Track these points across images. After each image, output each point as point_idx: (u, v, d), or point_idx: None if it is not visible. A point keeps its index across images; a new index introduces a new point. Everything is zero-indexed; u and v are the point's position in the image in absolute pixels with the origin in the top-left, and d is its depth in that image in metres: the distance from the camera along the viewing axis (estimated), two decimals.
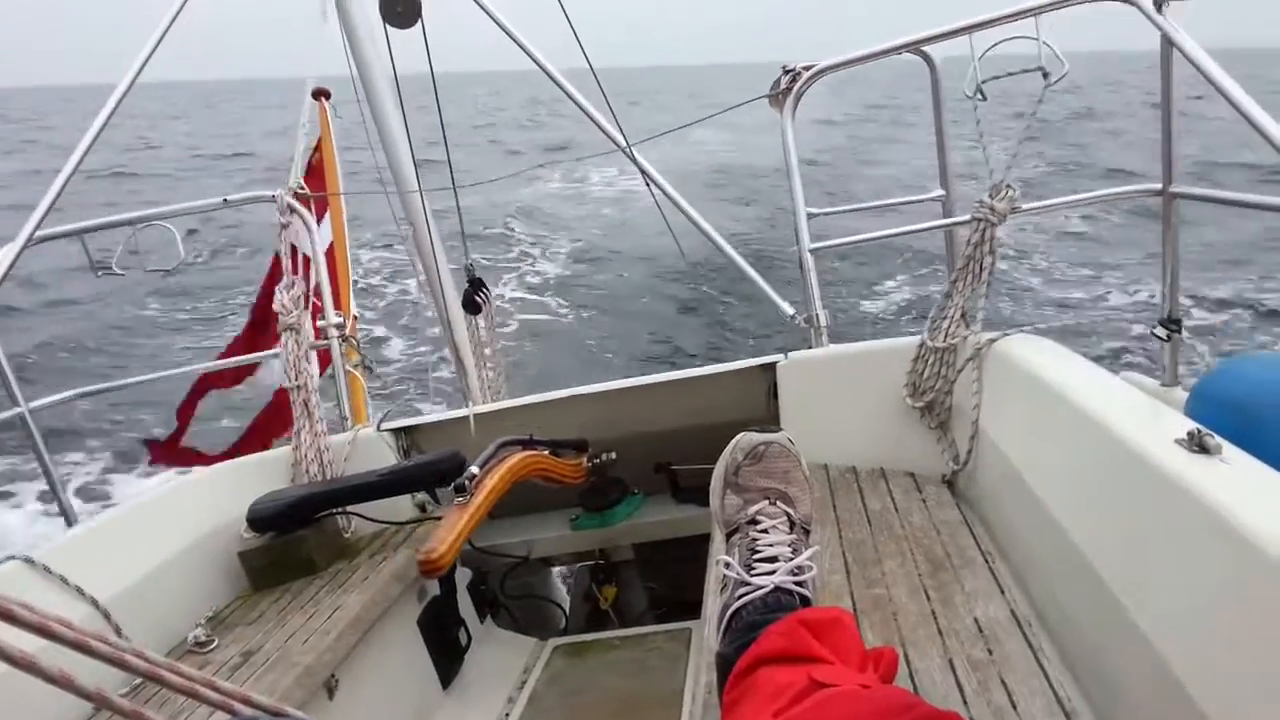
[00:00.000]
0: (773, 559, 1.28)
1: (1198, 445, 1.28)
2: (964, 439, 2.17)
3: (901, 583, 1.75)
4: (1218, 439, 1.29)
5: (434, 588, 2.49)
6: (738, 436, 1.46)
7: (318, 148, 4.16)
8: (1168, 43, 2.13)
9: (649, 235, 12.67)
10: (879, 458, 2.39)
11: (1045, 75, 2.23)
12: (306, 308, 2.89)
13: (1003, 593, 1.66)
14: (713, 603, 1.39)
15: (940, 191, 2.83)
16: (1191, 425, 1.32)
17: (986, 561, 1.80)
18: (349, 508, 2.53)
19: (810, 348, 2.61)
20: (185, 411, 4.03)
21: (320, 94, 4.19)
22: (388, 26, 2.95)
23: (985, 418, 2.10)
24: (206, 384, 3.97)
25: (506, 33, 3.23)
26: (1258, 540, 1.04)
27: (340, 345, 3.05)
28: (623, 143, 3.20)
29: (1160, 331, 2.52)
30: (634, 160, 3.19)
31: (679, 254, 3.61)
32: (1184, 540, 1.20)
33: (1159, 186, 2.40)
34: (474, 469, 2.17)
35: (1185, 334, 2.50)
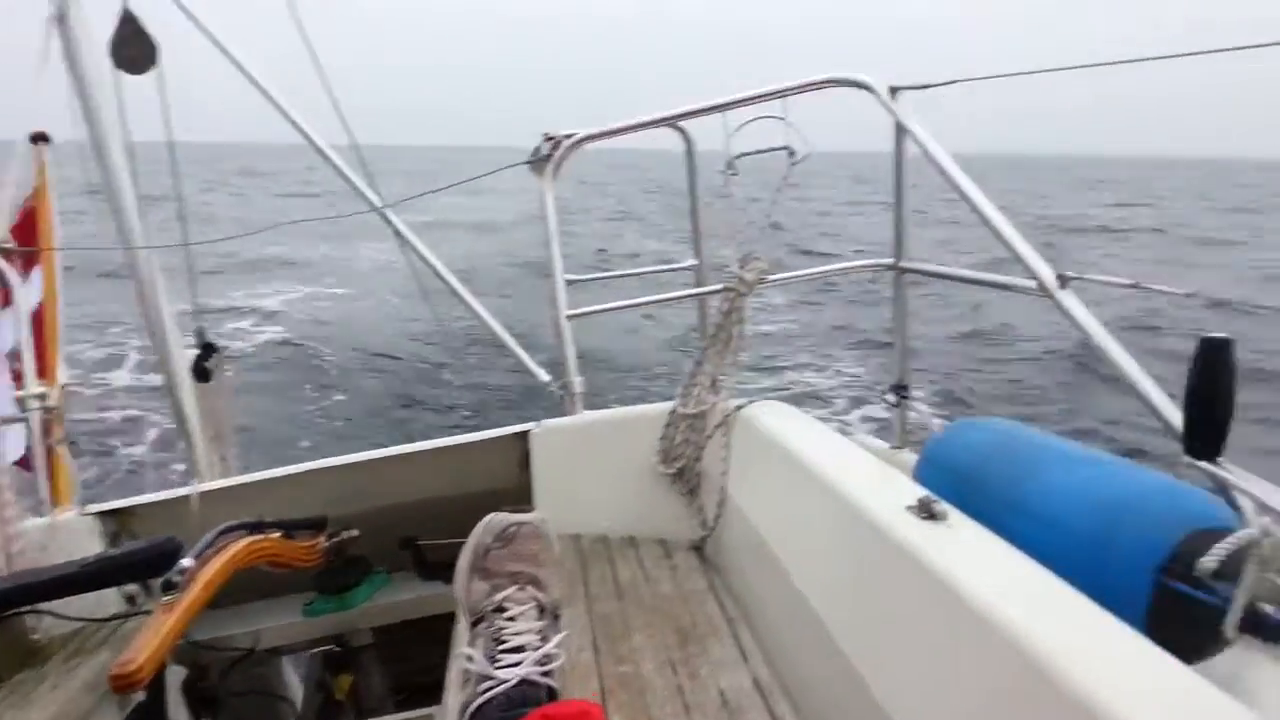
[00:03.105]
0: (519, 648, 1.19)
1: (926, 512, 1.34)
2: (712, 505, 2.20)
3: (650, 657, 1.73)
4: (944, 505, 1.35)
5: (139, 693, 2.18)
6: (487, 518, 1.38)
7: (33, 196, 3.72)
8: (900, 128, 2.30)
9: (405, 300, 12.36)
10: (631, 525, 2.38)
11: (791, 154, 2.34)
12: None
13: (746, 661, 1.68)
14: (454, 698, 1.28)
15: (694, 261, 2.91)
16: (921, 492, 1.38)
17: (732, 630, 1.81)
18: (39, 605, 2.18)
19: (566, 415, 2.58)
20: None
21: (39, 138, 3.76)
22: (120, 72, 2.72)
23: (732, 484, 2.13)
24: None
25: (258, 88, 3.07)
26: (982, 608, 1.07)
27: (41, 418, 2.68)
28: (377, 202, 3.08)
29: (891, 397, 2.69)
30: (387, 221, 3.09)
31: (436, 319, 3.49)
32: (915, 608, 1.22)
33: (891, 261, 2.57)
34: (186, 561, 1.92)
35: (913, 400, 2.67)
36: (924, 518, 1.33)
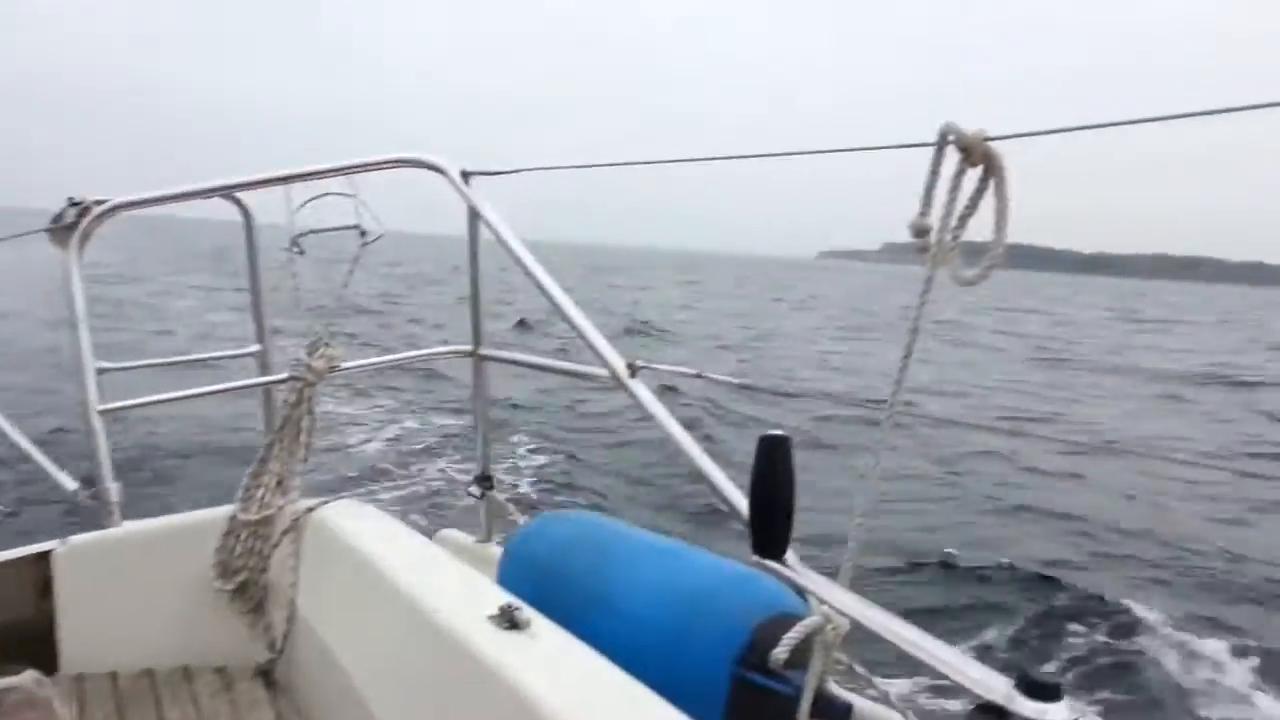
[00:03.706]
0: None
1: (508, 621, 1.31)
2: (280, 622, 2.00)
3: None
4: (526, 611, 1.33)
5: None
6: None
7: None
8: (474, 213, 2.27)
9: None
10: (184, 654, 2.07)
11: (362, 234, 2.22)
12: None
13: None
14: None
15: (257, 346, 2.63)
16: (503, 599, 1.36)
17: None
18: None
19: (101, 529, 2.17)
20: None
21: None
22: None
23: (303, 597, 1.95)
24: None
25: None
26: None
27: None
28: None
29: (475, 490, 2.61)
30: None
31: None
32: None
33: (470, 348, 2.52)
34: None
35: (497, 491, 2.62)
36: (505, 627, 1.31)
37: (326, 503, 2.08)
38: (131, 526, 2.18)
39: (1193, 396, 18.26)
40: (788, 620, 1.26)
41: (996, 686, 0.92)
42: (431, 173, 2.23)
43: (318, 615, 1.89)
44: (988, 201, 0.97)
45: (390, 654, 1.55)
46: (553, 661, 1.23)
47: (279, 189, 2.22)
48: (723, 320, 30.94)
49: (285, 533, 2.03)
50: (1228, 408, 16.90)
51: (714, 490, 1.69)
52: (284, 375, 2.20)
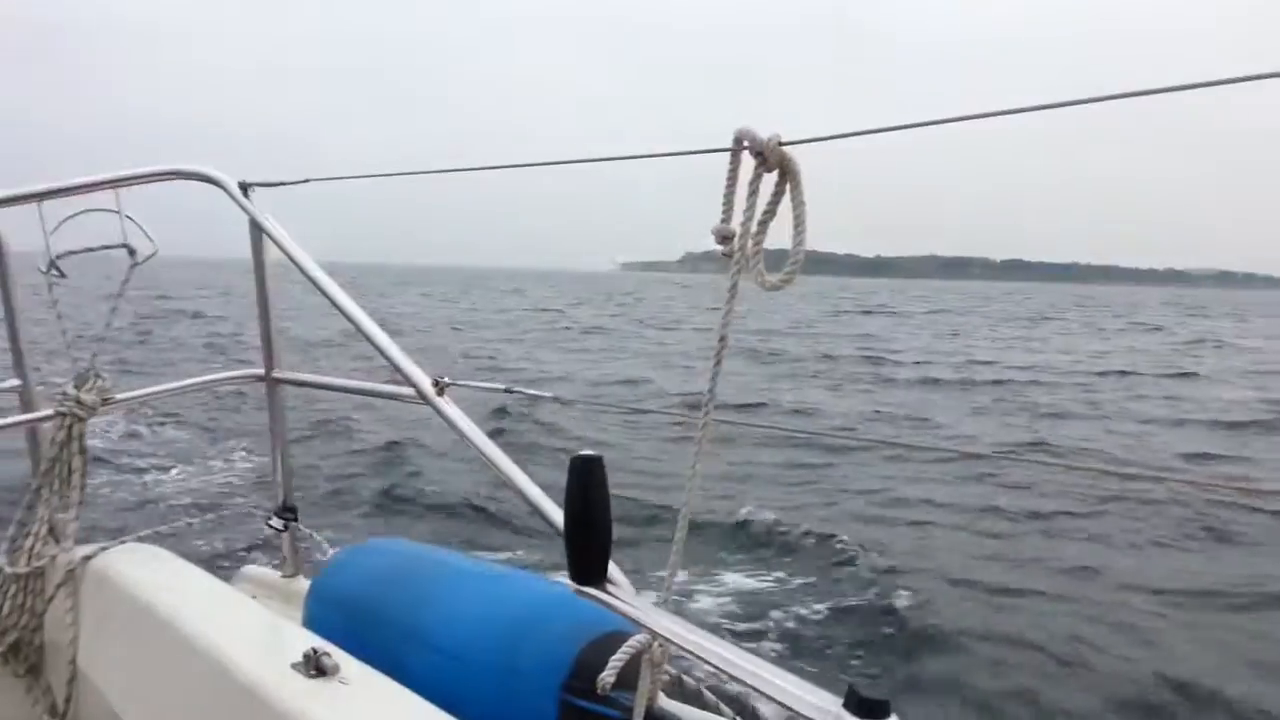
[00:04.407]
0: None
1: (315, 668, 1.23)
2: (61, 685, 1.80)
3: None
4: (335, 656, 1.25)
5: None
6: None
7: None
8: (257, 228, 2.14)
9: None
10: None
11: (132, 253, 2.04)
12: None
13: None
14: None
15: (16, 381, 2.37)
16: (309, 642, 1.27)
17: None
18: None
19: None
20: None
21: None
22: None
23: (85, 655, 1.77)
24: None
25: None
26: None
27: None
28: None
29: (276, 522, 2.45)
30: None
31: None
32: None
33: (262, 372, 2.37)
34: None
35: (302, 523, 2.47)
36: (311, 675, 1.22)
37: (107, 549, 1.90)
38: None
39: (826, 369, 22.32)
40: (616, 639, 1.24)
41: (825, 706, 0.91)
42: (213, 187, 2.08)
43: (102, 675, 1.71)
44: (786, 206, 0.98)
45: (183, 712, 1.43)
46: (365, 709, 1.16)
47: (32, 206, 2.00)
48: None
49: (60, 585, 1.83)
50: (866, 379, 20.68)
51: (534, 509, 1.65)
52: (49, 412, 1.99)
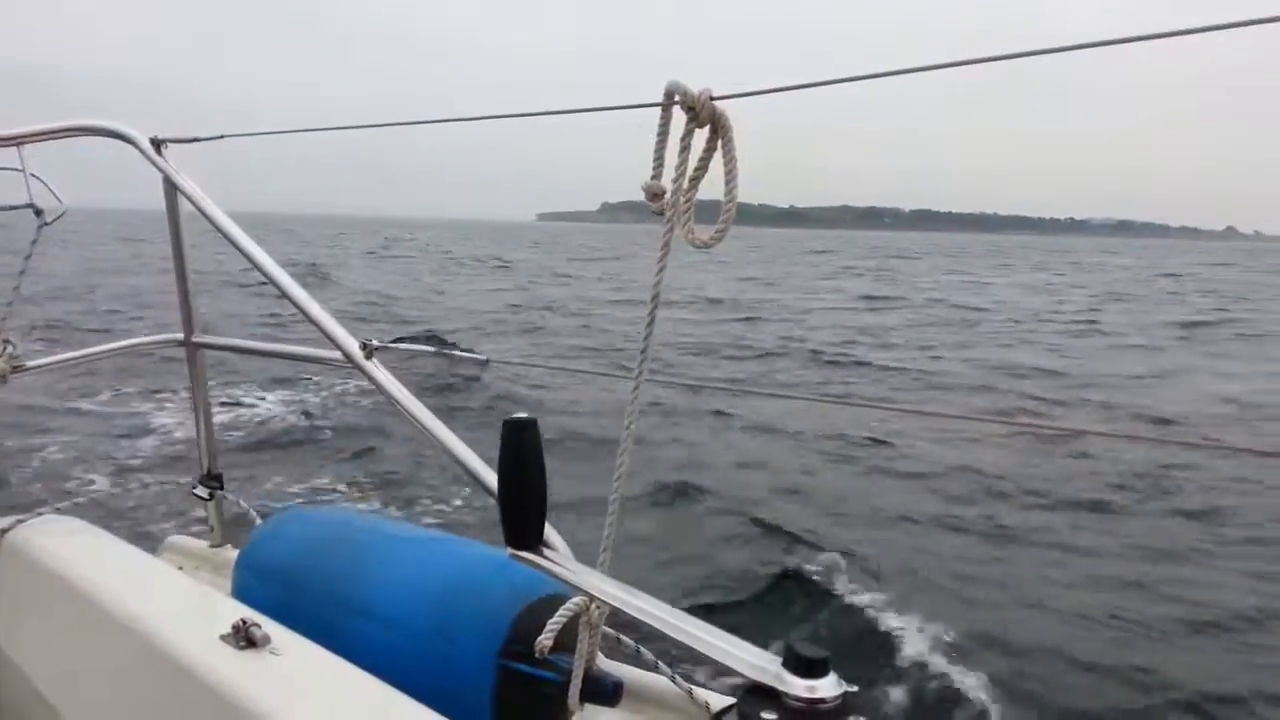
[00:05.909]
0: None
1: (245, 639, 1.20)
2: None
3: None
4: (265, 627, 1.22)
5: None
6: None
7: None
8: (171, 186, 2.06)
9: None
10: None
11: (39, 213, 1.95)
12: None
13: None
14: None
15: None
16: (239, 614, 1.24)
17: None
18: None
19: None
20: None
21: None
22: None
23: (4, 633, 1.71)
24: None
25: None
26: None
27: None
28: None
29: (201, 491, 2.38)
30: None
31: None
32: None
33: (181, 336, 2.30)
34: None
35: (228, 491, 2.41)
36: (241, 646, 1.19)
37: (23, 520, 1.82)
38: None
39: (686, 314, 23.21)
40: (553, 602, 1.23)
41: (764, 666, 0.91)
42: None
43: (22, 652, 1.65)
44: (717, 161, 0.97)
45: (110, 688, 1.38)
46: (297, 680, 1.13)
47: None
48: None
49: None
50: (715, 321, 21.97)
51: (467, 472, 1.63)
52: None
